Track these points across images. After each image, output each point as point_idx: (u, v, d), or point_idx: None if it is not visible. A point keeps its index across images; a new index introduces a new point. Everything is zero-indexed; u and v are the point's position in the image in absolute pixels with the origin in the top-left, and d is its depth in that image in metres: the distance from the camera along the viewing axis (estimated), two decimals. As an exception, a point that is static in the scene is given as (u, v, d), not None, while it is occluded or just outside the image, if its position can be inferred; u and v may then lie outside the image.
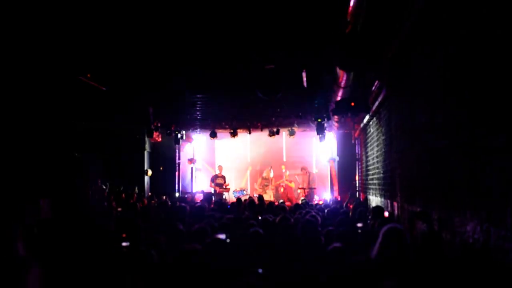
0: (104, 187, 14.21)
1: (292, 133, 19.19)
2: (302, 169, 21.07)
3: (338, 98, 10.79)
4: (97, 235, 6.25)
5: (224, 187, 19.82)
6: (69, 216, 8.83)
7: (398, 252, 4.26)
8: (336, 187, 19.32)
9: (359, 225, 6.43)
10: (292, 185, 21.06)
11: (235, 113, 16.95)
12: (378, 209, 8.78)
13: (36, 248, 5.66)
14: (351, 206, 11.00)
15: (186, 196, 19.04)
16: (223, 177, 20.04)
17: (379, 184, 11.84)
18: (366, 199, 14.22)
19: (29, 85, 10.53)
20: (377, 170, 12.14)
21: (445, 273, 4.18)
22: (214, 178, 19.96)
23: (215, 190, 19.42)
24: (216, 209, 11.03)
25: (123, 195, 14.31)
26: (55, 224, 7.76)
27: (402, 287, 3.87)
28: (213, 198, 17.70)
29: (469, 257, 4.53)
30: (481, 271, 4.14)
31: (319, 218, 7.45)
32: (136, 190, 16.25)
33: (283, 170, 21.92)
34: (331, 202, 15.05)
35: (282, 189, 21.23)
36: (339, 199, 17.06)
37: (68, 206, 10.76)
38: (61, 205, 10.53)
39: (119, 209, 12.11)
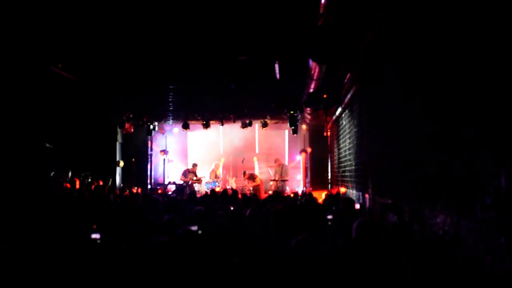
0: (75, 179, 14.06)
1: (264, 125, 19.20)
2: (275, 160, 21.04)
3: (311, 90, 10.83)
4: (67, 226, 6.20)
5: (195, 178, 19.72)
6: (38, 207, 8.70)
7: (371, 244, 4.31)
8: (308, 179, 19.38)
9: (329, 217, 6.45)
10: (258, 180, 20.51)
11: (208, 104, 16.91)
12: (349, 201, 8.83)
13: (4, 239, 5.59)
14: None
15: (158, 187, 18.92)
16: (195, 174, 19.94)
17: (351, 177, 11.91)
18: (337, 192, 14.31)
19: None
20: (349, 163, 12.22)
21: (415, 263, 4.23)
22: (186, 173, 19.80)
23: (186, 182, 19.30)
24: (189, 200, 10.99)
25: (92, 187, 14.16)
26: (23, 215, 7.67)
27: (375, 278, 3.91)
28: (187, 190, 17.64)
29: (439, 248, 4.59)
30: (451, 262, 4.20)
31: (289, 210, 7.46)
32: (110, 182, 16.11)
33: (255, 162, 21.88)
34: (307, 196, 15.04)
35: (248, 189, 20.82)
36: (308, 191, 17.02)
37: (38, 197, 10.60)
38: (31, 196, 10.38)
39: (90, 199, 11.98)
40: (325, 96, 10.49)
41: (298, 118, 16.65)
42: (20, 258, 4.60)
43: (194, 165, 20.32)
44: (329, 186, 16.54)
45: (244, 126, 19.10)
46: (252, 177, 20.03)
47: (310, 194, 12.70)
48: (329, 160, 17.23)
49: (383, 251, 4.31)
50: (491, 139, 3.45)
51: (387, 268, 4.04)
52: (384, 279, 3.91)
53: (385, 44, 7.12)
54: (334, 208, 8.50)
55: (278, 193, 12.32)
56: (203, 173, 20.95)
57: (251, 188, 19.79)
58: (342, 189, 13.61)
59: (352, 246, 4.39)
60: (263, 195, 17.57)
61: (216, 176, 20.56)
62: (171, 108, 17.84)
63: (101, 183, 14.98)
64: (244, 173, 20.53)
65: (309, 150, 19.32)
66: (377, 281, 3.88)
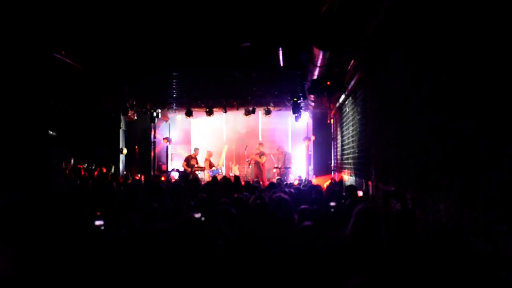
0: (79, 166, 14.09)
1: (268, 112, 19.16)
2: (278, 148, 21.01)
3: (314, 77, 10.79)
4: (70, 214, 6.21)
5: (197, 166, 19.73)
6: (41, 195, 8.72)
7: (370, 231, 4.29)
8: (311, 167, 19.36)
9: (332, 204, 6.45)
10: (263, 159, 20.21)
11: (211, 91, 16.89)
12: (351, 188, 8.83)
13: (8, 227, 5.60)
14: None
15: (161, 175, 18.95)
16: (197, 159, 19.94)
17: (354, 164, 11.90)
18: (341, 179, 14.31)
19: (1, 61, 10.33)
20: (352, 150, 12.20)
21: (418, 251, 4.23)
22: (188, 159, 19.79)
23: (189, 170, 19.30)
24: (193, 188, 11.00)
25: (95, 173, 14.19)
26: (26, 205, 7.69)
27: (375, 270, 3.91)
28: (190, 177, 17.64)
29: (442, 236, 4.59)
30: (454, 250, 4.20)
31: (293, 197, 7.48)
32: (113, 169, 16.13)
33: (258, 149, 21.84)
34: (306, 183, 15.01)
35: (250, 166, 20.81)
36: (310, 179, 16.93)
37: (41, 185, 10.62)
38: (34, 184, 10.40)
39: (93, 187, 12.00)
40: (328, 83, 10.46)
41: (301, 105, 16.60)
42: (24, 246, 4.62)
43: (196, 149, 20.31)
44: (332, 173, 16.52)
45: (247, 113, 19.07)
46: (262, 154, 19.97)
47: (310, 182, 12.70)
48: (332, 147, 17.22)
49: (382, 239, 4.29)
50: (495, 127, 3.43)
51: (386, 256, 4.03)
52: (384, 267, 3.91)
53: (390, 31, 7.07)
54: (337, 195, 8.51)
55: (281, 181, 12.33)
56: (200, 162, 20.84)
57: (252, 162, 19.85)
58: (345, 176, 13.61)
59: (349, 231, 4.36)
60: (266, 182, 17.52)
61: (210, 165, 20.42)
62: (174, 95, 17.82)
63: (104, 170, 15.01)
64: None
65: (312, 137, 19.27)
66: (376, 268, 3.88)
